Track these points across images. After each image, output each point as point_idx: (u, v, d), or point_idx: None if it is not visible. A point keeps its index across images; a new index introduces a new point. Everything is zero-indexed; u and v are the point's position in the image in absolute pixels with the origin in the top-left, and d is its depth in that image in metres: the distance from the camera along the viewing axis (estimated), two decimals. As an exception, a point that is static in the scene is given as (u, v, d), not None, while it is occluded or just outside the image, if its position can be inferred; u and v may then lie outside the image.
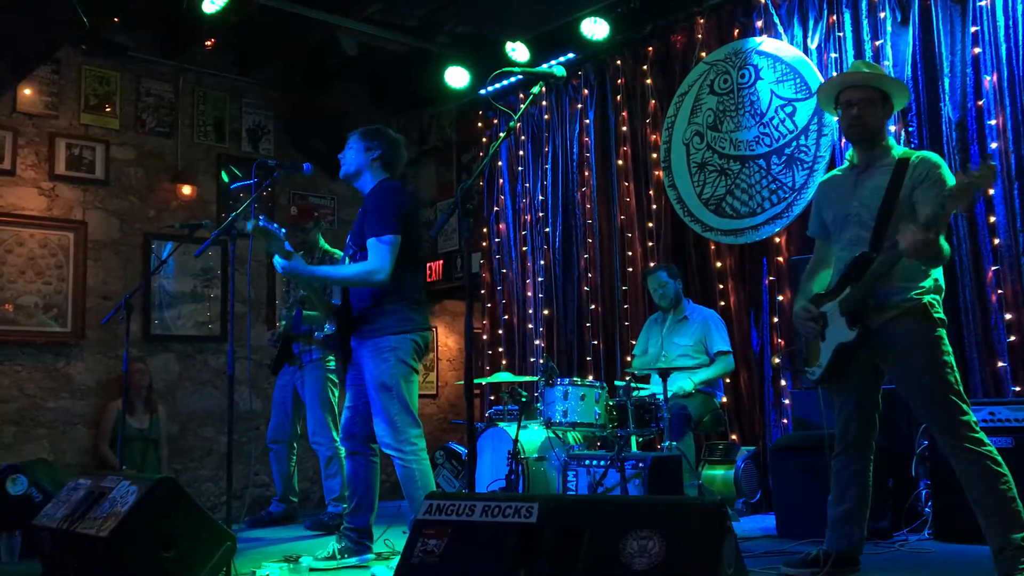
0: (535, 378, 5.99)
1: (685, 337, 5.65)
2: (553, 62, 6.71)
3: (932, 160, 3.36)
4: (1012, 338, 4.76)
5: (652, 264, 6.30)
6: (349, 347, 4.00)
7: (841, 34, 5.60)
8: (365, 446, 4.06)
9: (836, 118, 3.67)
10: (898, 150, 3.48)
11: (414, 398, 3.92)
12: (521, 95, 7.49)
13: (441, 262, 8.30)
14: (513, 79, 7.14)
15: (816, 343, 3.51)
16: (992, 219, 4.89)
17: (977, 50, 5.01)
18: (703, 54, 6.38)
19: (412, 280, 4.01)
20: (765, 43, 6.00)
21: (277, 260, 3.81)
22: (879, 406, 3.52)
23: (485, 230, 7.91)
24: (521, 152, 7.68)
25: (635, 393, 5.06)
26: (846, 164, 3.63)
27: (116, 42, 7.03)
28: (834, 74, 5.61)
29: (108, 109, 7.17)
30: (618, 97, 6.93)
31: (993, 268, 4.87)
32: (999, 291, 4.84)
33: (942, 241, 3.14)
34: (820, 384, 3.57)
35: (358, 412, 4.03)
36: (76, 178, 6.97)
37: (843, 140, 5.55)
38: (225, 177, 7.63)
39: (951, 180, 3.29)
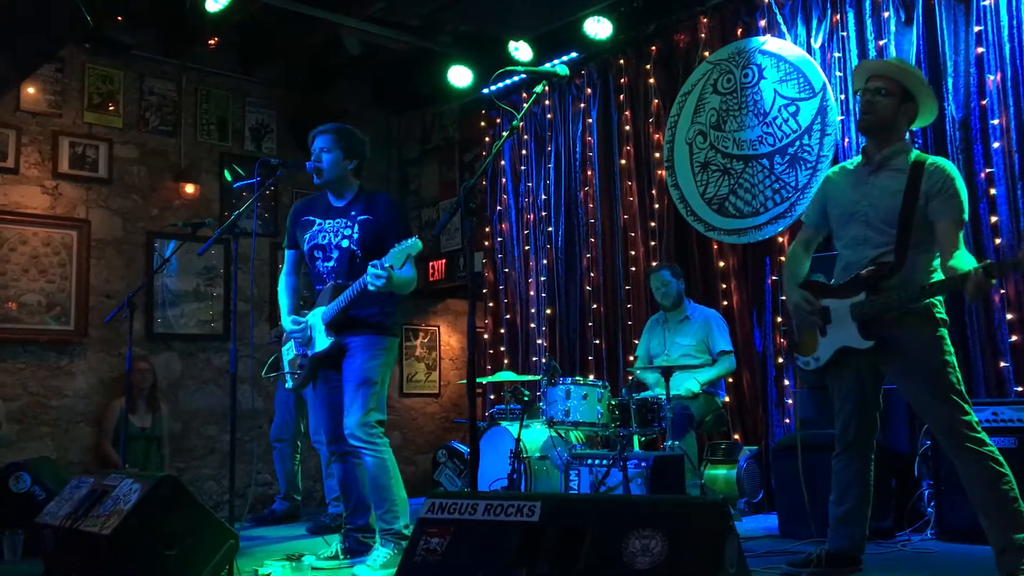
0: (537, 377, 5.99)
1: (687, 337, 5.65)
2: (556, 61, 6.70)
3: (947, 170, 3.30)
4: (1015, 338, 4.76)
5: (655, 263, 6.29)
6: (338, 352, 4.00)
7: (845, 33, 5.59)
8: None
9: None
10: (915, 154, 3.41)
11: (385, 396, 4.05)
12: (524, 94, 7.48)
13: (444, 261, 8.30)
14: (516, 78, 7.14)
15: (812, 333, 3.50)
16: (994, 219, 4.89)
17: (981, 49, 5.00)
18: (706, 53, 6.38)
19: None
20: (768, 42, 5.99)
21: (374, 272, 3.70)
22: (879, 406, 3.51)
23: (488, 229, 7.91)
24: (524, 151, 7.68)
25: (638, 395, 5.06)
26: (858, 159, 3.56)
27: (119, 41, 7.04)
28: (838, 73, 5.61)
29: (111, 108, 7.18)
30: (621, 96, 6.92)
31: (996, 268, 4.86)
32: (1002, 291, 4.83)
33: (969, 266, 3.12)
34: (815, 375, 3.56)
35: (342, 414, 4.04)
36: (79, 176, 6.98)
37: (846, 140, 5.55)
38: (228, 176, 7.64)
39: (964, 195, 3.27)
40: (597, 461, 4.82)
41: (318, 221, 4.13)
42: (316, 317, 4.03)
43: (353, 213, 4.04)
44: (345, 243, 4.01)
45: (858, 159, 3.56)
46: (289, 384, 4.24)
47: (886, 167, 3.41)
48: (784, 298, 5.68)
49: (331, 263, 4.05)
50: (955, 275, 3.06)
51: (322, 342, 3.99)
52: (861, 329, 3.31)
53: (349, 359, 3.97)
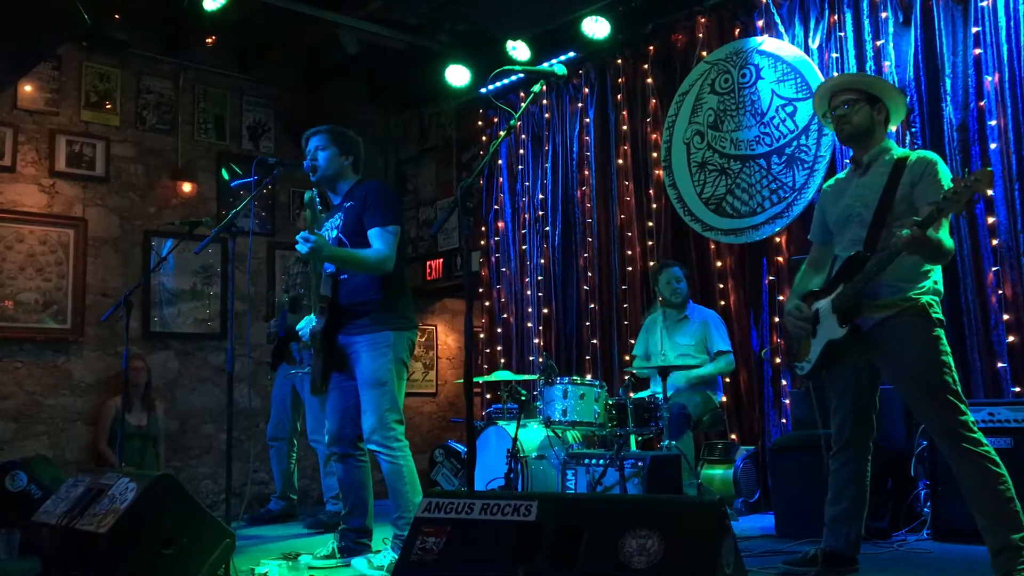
0: (534, 377, 5.99)
1: (686, 336, 5.65)
2: (554, 61, 6.70)
3: (929, 158, 3.37)
4: (1011, 339, 4.77)
5: (651, 263, 6.29)
6: (335, 346, 3.97)
7: (842, 34, 5.60)
8: (355, 447, 4.07)
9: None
10: (897, 151, 3.50)
11: (403, 395, 3.98)
12: (521, 94, 7.48)
13: (441, 260, 8.30)
14: (514, 78, 7.12)
15: (807, 339, 3.54)
16: (992, 220, 4.89)
17: (978, 51, 5.01)
18: (704, 53, 6.38)
19: (405, 278, 4.11)
20: (766, 43, 5.99)
21: (301, 236, 3.75)
22: (876, 406, 3.52)
23: (484, 228, 7.91)
24: (521, 151, 7.68)
25: (635, 395, 5.06)
26: (848, 168, 3.66)
27: (117, 39, 7.04)
28: (835, 73, 5.62)
29: (108, 106, 7.17)
30: (619, 96, 6.92)
31: (994, 269, 4.87)
32: (999, 291, 4.84)
33: (944, 237, 3.15)
34: (808, 379, 3.60)
35: (348, 415, 4.02)
36: (76, 175, 6.97)
37: (843, 140, 5.56)
38: (225, 174, 7.63)
39: (947, 177, 3.30)
40: (594, 461, 4.81)
41: (326, 224, 4.17)
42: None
43: (344, 204, 4.06)
44: (334, 233, 4.02)
45: (849, 168, 3.66)
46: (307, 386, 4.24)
47: (873, 168, 3.48)
48: (781, 298, 5.76)
49: None
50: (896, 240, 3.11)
51: (312, 323, 4.01)
52: (840, 319, 3.36)
53: (357, 364, 3.93)
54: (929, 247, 3.09)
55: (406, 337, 3.99)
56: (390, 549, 3.88)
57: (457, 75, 7.41)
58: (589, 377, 6.21)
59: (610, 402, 4.97)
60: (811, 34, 5.79)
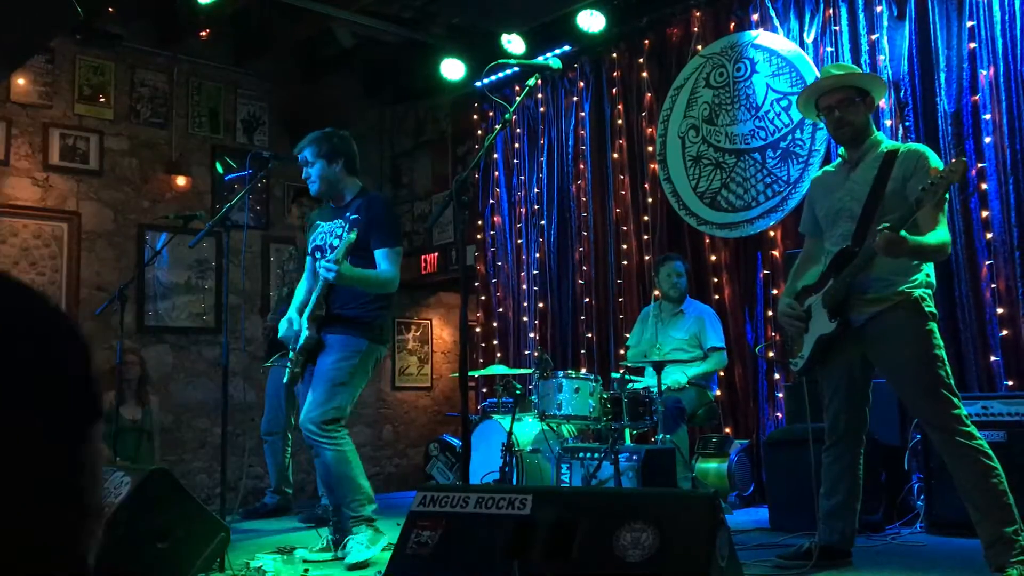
0: (530, 371, 6.00)
1: (680, 331, 5.66)
2: (549, 54, 6.69)
3: (920, 151, 3.37)
4: (1005, 332, 4.78)
5: (647, 257, 6.29)
6: (318, 347, 3.98)
7: (837, 28, 5.60)
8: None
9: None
10: (887, 143, 3.50)
11: (354, 402, 4.00)
12: (517, 88, 7.46)
13: (436, 254, 8.29)
14: (509, 72, 7.12)
15: (801, 336, 3.55)
16: (986, 214, 4.90)
17: (973, 44, 5.01)
18: (699, 47, 6.38)
19: (392, 294, 4.11)
20: (761, 37, 5.99)
21: (324, 264, 3.76)
22: (869, 400, 3.53)
23: (480, 223, 7.90)
24: (516, 145, 7.67)
25: (629, 386, 5.07)
26: (838, 160, 3.65)
27: (111, 32, 7.00)
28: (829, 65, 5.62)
29: (102, 99, 7.14)
30: (614, 90, 6.92)
31: (988, 263, 4.88)
32: (993, 285, 4.85)
33: (931, 236, 3.14)
34: (802, 375, 3.61)
35: None
36: (70, 168, 6.95)
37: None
38: (220, 168, 7.61)
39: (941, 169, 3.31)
40: (589, 454, 4.82)
41: (320, 224, 4.18)
42: (304, 315, 4.04)
43: (347, 214, 4.06)
44: (336, 242, 4.02)
45: (838, 161, 3.66)
46: (286, 379, 4.23)
47: (863, 162, 3.48)
48: (775, 292, 5.77)
49: None
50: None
51: (303, 335, 3.99)
52: (829, 314, 3.38)
53: (323, 356, 3.95)
54: (906, 248, 3.08)
55: (377, 350, 4.03)
56: (361, 531, 3.86)
57: (452, 69, 7.39)
58: (584, 371, 6.21)
59: (605, 396, 4.98)
60: (806, 28, 5.79)
